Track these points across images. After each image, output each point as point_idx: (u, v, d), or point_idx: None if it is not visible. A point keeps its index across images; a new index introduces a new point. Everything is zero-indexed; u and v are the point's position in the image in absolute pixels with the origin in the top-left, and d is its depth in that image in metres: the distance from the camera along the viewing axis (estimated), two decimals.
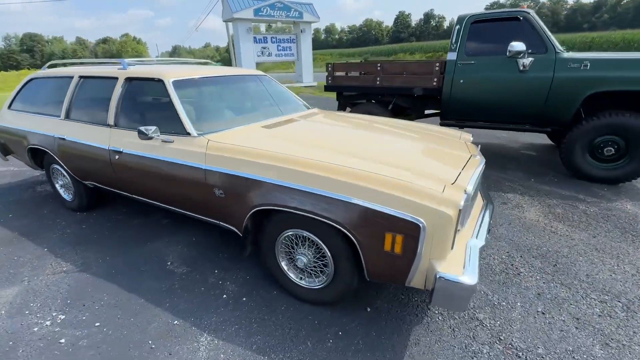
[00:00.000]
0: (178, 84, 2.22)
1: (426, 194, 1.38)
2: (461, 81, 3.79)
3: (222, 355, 1.58)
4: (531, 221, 2.80)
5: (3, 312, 1.89)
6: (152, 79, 2.25)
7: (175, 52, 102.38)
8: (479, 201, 2.05)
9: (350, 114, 3.00)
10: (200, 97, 2.49)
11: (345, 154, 1.74)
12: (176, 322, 1.78)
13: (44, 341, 1.68)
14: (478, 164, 1.87)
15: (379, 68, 4.35)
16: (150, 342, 1.66)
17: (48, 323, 1.80)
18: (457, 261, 1.42)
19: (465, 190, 1.48)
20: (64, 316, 1.85)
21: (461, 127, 4.12)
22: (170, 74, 2.26)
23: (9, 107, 3.20)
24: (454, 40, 3.80)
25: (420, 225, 1.34)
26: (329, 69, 4.77)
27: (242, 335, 1.69)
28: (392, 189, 1.42)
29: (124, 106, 2.36)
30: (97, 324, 1.78)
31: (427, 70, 4.10)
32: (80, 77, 2.69)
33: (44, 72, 3.06)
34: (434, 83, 4.03)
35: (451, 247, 1.41)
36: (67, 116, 2.67)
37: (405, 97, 4.44)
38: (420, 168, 1.67)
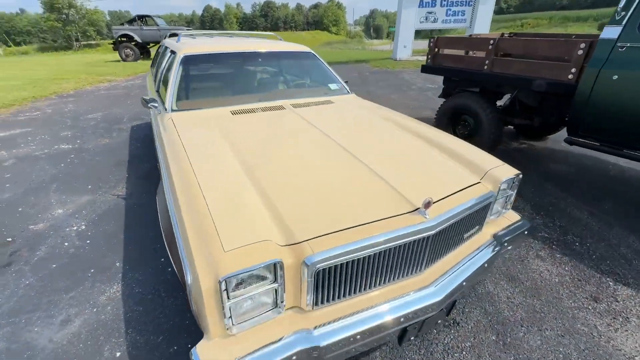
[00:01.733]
0: (188, 59, 2.38)
1: (203, 249, 1.02)
2: (614, 77, 2.22)
3: (109, 308, 1.82)
4: (615, 354, 1.55)
5: (70, 210, 2.80)
6: (175, 52, 2.50)
7: (371, 16, 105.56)
8: (412, 284, 1.29)
9: (379, 108, 2.38)
10: (211, 72, 2.58)
11: (243, 167, 1.46)
12: (118, 264, 2.15)
13: (60, 239, 2.41)
14: (406, 226, 1.17)
15: (491, 45, 3.10)
16: (92, 270, 2.10)
17: (74, 228, 2.55)
18: (238, 348, 1.02)
19: (296, 260, 1.01)
20: (84, 227, 2.56)
21: (615, 154, 2.49)
22: (188, 49, 2.43)
23: (151, 66, 4.33)
24: (622, 5, 2.20)
25: (187, 283, 1.02)
26: (431, 44, 3.78)
27: (130, 303, 1.85)
28: (196, 231, 1.11)
29: (164, 75, 2.75)
30: (88, 242, 2.38)
31: (562, 53, 2.61)
32: (165, 47, 3.28)
33: (163, 40, 3.90)
34: (570, 76, 2.55)
35: (223, 325, 1.01)
36: (159, 77, 3.37)
37: (529, 92, 3.06)
38: (291, 211, 1.21)
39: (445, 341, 1.62)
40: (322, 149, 1.66)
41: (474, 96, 3.40)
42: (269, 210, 1.19)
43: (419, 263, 1.28)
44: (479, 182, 1.52)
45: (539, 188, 3.10)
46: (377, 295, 1.23)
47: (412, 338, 1.34)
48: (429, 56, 3.84)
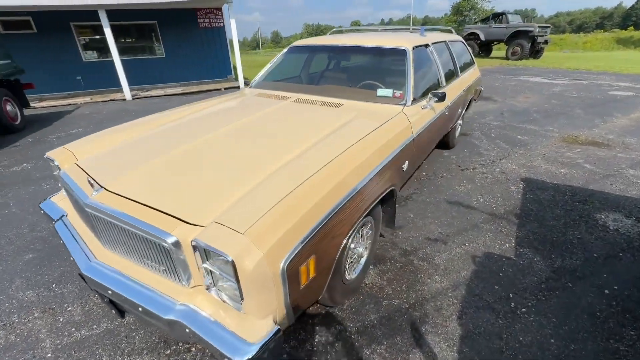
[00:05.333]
0: (292, 49, 2.91)
1: None
2: None
3: None
4: None
5: None
6: None
7: None
8: None
9: (370, 126, 1.77)
10: (295, 61, 2.87)
11: (164, 120, 2.09)
12: None
13: None
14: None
15: None
16: None
17: None
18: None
19: None
20: None
21: None
22: (301, 41, 2.94)
23: None
24: None
25: None
26: None
27: None
28: None
29: None
30: None
31: None
32: None
33: None
34: None
35: None
36: None
37: None
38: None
39: None
40: (215, 129, 1.82)
41: None
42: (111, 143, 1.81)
43: (95, 231, 1.39)
44: (188, 223, 1.14)
45: None
46: None
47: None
48: None
